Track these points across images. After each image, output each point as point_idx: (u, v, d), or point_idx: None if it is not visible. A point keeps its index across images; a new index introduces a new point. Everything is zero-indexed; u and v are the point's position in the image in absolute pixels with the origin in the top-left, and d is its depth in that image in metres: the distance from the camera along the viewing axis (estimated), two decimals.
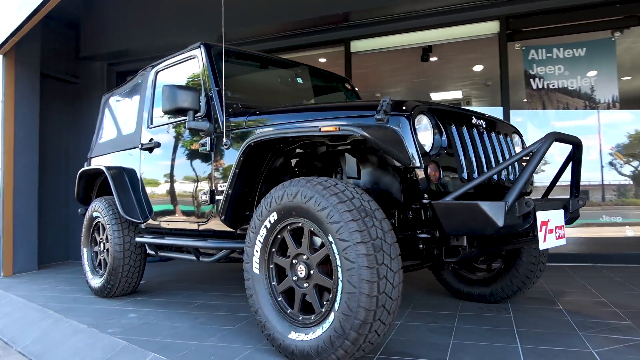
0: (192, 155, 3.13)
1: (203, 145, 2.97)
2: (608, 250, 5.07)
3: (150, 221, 3.53)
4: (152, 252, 3.53)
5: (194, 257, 3.12)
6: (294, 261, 2.23)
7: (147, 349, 2.48)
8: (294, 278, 2.22)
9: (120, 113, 4.18)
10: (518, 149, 2.95)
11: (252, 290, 2.36)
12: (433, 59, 6.42)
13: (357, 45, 6.02)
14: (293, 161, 2.75)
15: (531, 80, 5.39)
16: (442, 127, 2.28)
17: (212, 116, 2.97)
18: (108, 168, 3.84)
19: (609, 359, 2.13)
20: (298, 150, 2.68)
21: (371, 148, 2.41)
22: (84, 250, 4.17)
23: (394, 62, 6.82)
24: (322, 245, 2.10)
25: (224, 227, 2.83)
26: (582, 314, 2.93)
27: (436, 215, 2.08)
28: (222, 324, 2.94)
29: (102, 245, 3.98)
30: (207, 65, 3.10)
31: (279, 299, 2.29)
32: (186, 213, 3.16)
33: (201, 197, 2.98)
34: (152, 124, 3.59)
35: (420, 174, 2.12)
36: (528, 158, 2.16)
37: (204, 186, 2.97)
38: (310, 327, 2.09)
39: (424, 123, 2.19)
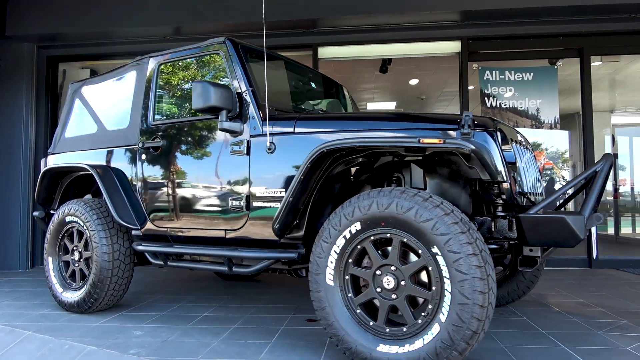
0: (218, 157, 2.91)
1: (237, 147, 2.79)
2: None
3: (150, 227, 3.21)
4: (159, 262, 3.20)
5: (221, 268, 2.89)
6: (377, 272, 2.20)
7: None
8: (378, 289, 2.19)
9: (100, 105, 3.73)
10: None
11: (324, 302, 2.27)
12: (391, 71, 6.69)
13: (324, 52, 6.05)
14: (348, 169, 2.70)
15: (486, 98, 5.86)
16: (508, 143, 2.41)
17: (249, 117, 2.80)
18: (93, 167, 3.41)
19: None
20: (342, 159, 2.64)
21: (442, 160, 2.47)
22: (50, 260, 3.65)
23: (353, 71, 6.97)
24: (415, 256, 2.11)
25: (262, 235, 2.70)
26: (580, 315, 3.26)
27: (521, 227, 2.20)
28: (255, 338, 2.77)
29: (76, 254, 3.52)
30: (237, 64, 2.92)
31: (357, 311, 2.23)
32: (208, 220, 2.93)
33: (232, 203, 2.79)
34: (153, 120, 3.27)
35: (506, 187, 2.22)
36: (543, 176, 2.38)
37: (237, 191, 2.79)
38: (405, 339, 2.08)
39: (502, 138, 2.30)
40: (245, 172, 2.78)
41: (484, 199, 2.45)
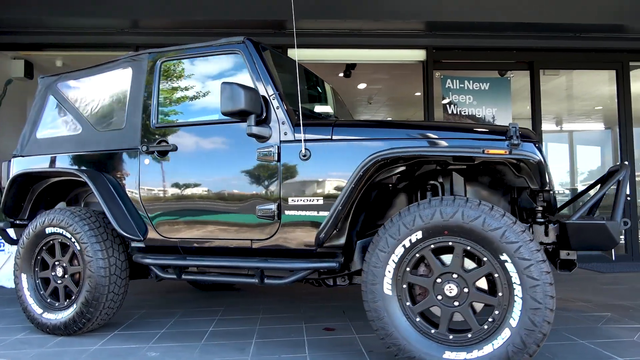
0: (241, 163, 2.76)
1: (266, 153, 2.67)
2: None
3: (155, 237, 2.96)
4: (169, 276, 2.95)
5: (250, 280, 2.74)
6: (437, 280, 2.22)
7: None
8: (439, 297, 2.21)
9: (85, 104, 3.37)
10: None
11: (382, 312, 2.25)
12: (354, 76, 6.78)
13: (292, 54, 5.96)
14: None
15: (447, 106, 6.14)
16: None
17: (278, 122, 2.69)
18: (84, 172, 3.07)
19: None
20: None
21: (486, 169, 2.55)
22: (23, 277, 3.23)
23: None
24: (479, 263, 2.16)
25: (298, 245, 2.61)
26: (568, 310, 3.54)
27: (565, 233, 2.33)
28: (287, 352, 2.67)
29: (59, 269, 3.15)
30: (260, 66, 2.80)
31: (417, 320, 2.24)
32: (229, 229, 2.77)
33: (260, 212, 2.67)
34: (157, 122, 3.02)
35: (550, 195, 2.35)
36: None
37: (266, 199, 2.67)
38: (472, 345, 2.13)
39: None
40: (275, 179, 2.66)
41: (519, 206, 2.56)
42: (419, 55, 6.07)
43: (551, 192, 2.37)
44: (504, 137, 2.31)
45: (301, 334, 3.03)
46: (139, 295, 4.38)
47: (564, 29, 5.83)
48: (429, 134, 2.42)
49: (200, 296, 4.34)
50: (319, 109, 3.39)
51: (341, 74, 6.94)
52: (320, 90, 3.86)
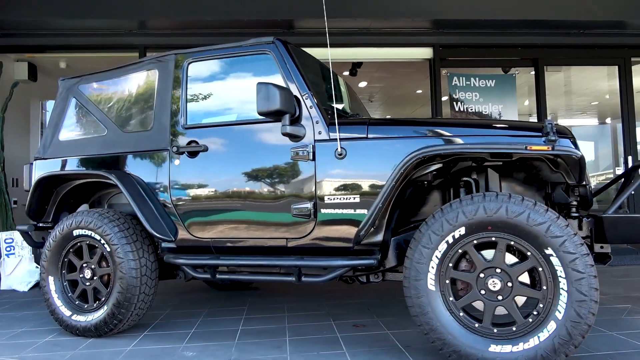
0: (274, 162, 2.78)
1: (300, 152, 2.69)
2: None
3: (187, 238, 2.97)
4: (203, 276, 2.96)
5: (287, 278, 2.76)
6: (480, 275, 2.26)
7: None
8: (482, 292, 2.26)
9: (109, 105, 3.35)
10: None
11: (426, 308, 2.29)
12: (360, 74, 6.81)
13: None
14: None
15: (454, 103, 6.20)
16: None
17: (312, 121, 2.71)
18: (113, 173, 3.07)
19: None
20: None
21: (522, 165, 2.59)
22: (50, 280, 3.21)
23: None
24: (522, 258, 2.21)
25: (335, 243, 2.64)
26: None
27: (601, 227, 2.38)
28: (324, 349, 2.70)
29: (87, 271, 3.14)
30: (292, 66, 2.81)
31: (461, 315, 2.28)
32: (264, 228, 2.78)
33: (296, 211, 2.69)
34: (187, 123, 3.03)
35: (586, 189, 2.41)
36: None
37: (301, 198, 2.69)
38: (517, 338, 2.17)
39: None
40: (310, 178, 2.68)
41: (553, 201, 2.61)
42: (426, 53, 6.12)
43: (587, 186, 2.42)
44: (540, 134, 2.36)
45: (333, 331, 3.06)
46: (158, 297, 4.37)
47: (568, 25, 5.92)
48: (467, 132, 2.45)
49: (218, 296, 4.35)
50: (336, 105, 3.40)
51: (346, 72, 6.96)
52: (337, 87, 3.88)
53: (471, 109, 6.21)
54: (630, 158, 6.12)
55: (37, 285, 5.13)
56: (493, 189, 2.62)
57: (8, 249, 5.22)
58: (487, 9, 5.60)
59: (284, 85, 2.75)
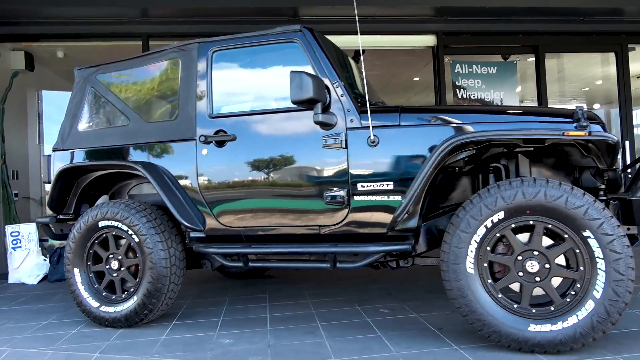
0: (305, 151, 2.80)
1: (332, 141, 2.72)
2: None
3: (216, 227, 2.98)
4: (235, 265, 2.98)
5: (322, 265, 2.80)
6: (518, 257, 2.33)
7: None
8: (520, 274, 2.33)
9: (130, 95, 3.32)
10: None
11: (465, 290, 2.35)
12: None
13: None
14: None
15: (457, 90, 6.26)
16: None
17: (343, 110, 2.73)
18: (139, 164, 3.05)
19: None
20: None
21: (552, 150, 2.65)
22: (75, 272, 3.20)
23: None
24: (558, 240, 2.28)
25: (368, 229, 2.68)
26: None
27: (630, 209, 2.47)
28: (359, 333, 2.76)
29: (114, 262, 3.14)
30: (321, 54, 2.83)
31: (499, 296, 2.35)
32: (296, 216, 2.81)
33: (329, 198, 2.72)
34: (213, 112, 3.02)
35: (616, 173, 2.49)
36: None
37: (334, 186, 2.72)
38: (556, 317, 2.25)
39: None
40: (343, 166, 2.71)
41: (581, 185, 2.68)
42: (429, 40, 6.15)
43: (617, 170, 2.50)
44: (571, 120, 2.42)
45: (361, 316, 3.12)
46: None
47: (569, 12, 6.00)
48: (500, 119, 2.51)
49: (234, 284, 4.37)
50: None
51: None
52: (354, 73, 3.91)
53: (474, 96, 6.28)
54: (627, 143, 6.28)
55: (45, 278, 5.09)
56: (523, 174, 2.68)
57: (14, 242, 5.15)
58: None
59: (316, 73, 2.76)
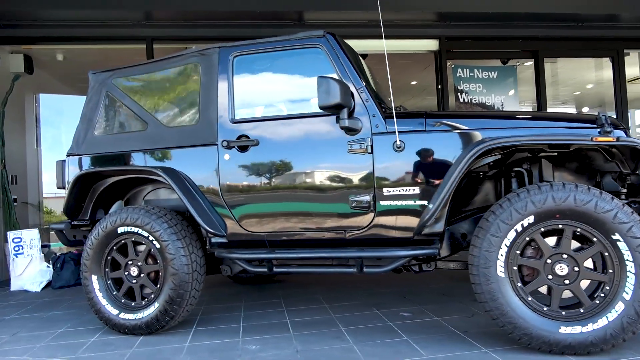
0: (330, 156, 2.81)
1: (357, 146, 2.74)
2: None
3: (239, 232, 2.97)
4: (259, 270, 2.97)
5: (348, 270, 2.81)
6: (548, 261, 2.37)
7: None
8: (549, 277, 2.36)
9: (148, 100, 3.30)
10: None
11: (496, 294, 2.38)
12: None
13: None
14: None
15: (459, 94, 6.32)
16: None
17: (368, 115, 2.76)
18: (160, 169, 3.03)
19: None
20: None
21: (576, 155, 2.70)
22: (93, 279, 3.16)
23: None
24: (587, 243, 2.33)
25: (395, 234, 2.70)
26: None
27: None
28: (383, 337, 2.77)
29: (133, 269, 3.11)
30: (345, 60, 2.85)
31: (529, 299, 2.38)
32: (321, 221, 2.82)
33: (354, 203, 2.73)
34: (235, 117, 3.01)
35: (639, 178, 2.55)
36: None
37: (359, 191, 2.73)
38: (586, 319, 2.29)
39: None
40: (368, 171, 2.73)
41: (602, 189, 2.74)
42: (431, 45, 6.22)
43: (638, 175, 2.56)
44: (594, 125, 2.48)
45: (382, 320, 3.13)
46: None
47: (567, 18, 6.11)
48: (526, 124, 2.55)
49: (246, 290, 4.36)
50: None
51: None
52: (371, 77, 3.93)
53: (475, 100, 6.35)
54: None
55: (48, 285, 5.02)
56: (547, 178, 2.73)
57: (16, 248, 5.07)
58: (492, 1, 5.72)
59: (341, 79, 2.78)
